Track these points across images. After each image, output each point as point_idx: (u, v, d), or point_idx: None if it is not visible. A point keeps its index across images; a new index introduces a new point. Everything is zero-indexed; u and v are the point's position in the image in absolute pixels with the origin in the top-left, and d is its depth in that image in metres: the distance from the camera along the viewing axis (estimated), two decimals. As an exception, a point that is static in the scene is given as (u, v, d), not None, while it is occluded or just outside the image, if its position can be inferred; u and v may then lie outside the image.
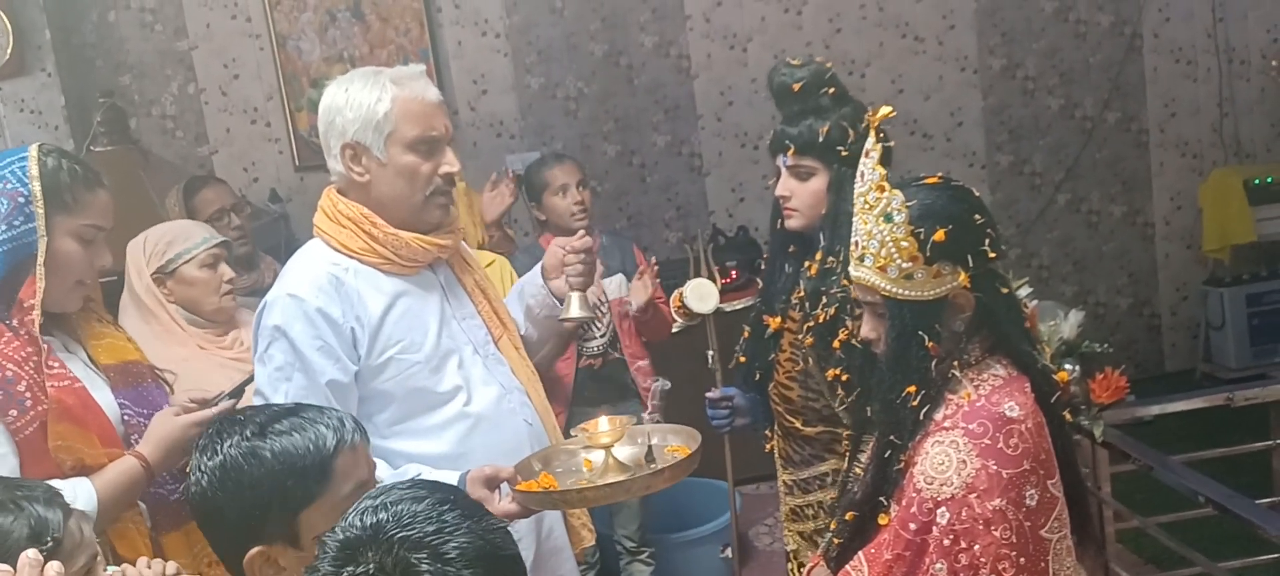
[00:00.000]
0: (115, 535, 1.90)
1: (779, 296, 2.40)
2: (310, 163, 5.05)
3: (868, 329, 1.79)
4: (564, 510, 2.30)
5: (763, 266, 2.51)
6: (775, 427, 2.46)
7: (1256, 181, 5.22)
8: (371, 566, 1.13)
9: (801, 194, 2.26)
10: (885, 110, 1.77)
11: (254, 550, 1.44)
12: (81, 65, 4.93)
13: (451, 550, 1.13)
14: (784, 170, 2.27)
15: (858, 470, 1.91)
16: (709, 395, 2.47)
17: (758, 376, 2.45)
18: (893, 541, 1.69)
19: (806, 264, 2.31)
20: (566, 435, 2.28)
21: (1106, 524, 3.09)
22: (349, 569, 1.14)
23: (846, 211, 2.15)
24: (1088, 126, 5.51)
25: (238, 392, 2.05)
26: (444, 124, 2.11)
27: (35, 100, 4.60)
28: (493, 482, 1.98)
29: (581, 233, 2.36)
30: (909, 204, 1.67)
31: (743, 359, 2.49)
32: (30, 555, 1.26)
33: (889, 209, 1.67)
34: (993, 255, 1.71)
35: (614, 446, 2.06)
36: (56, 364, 1.90)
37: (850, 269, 1.78)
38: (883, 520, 1.74)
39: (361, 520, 1.17)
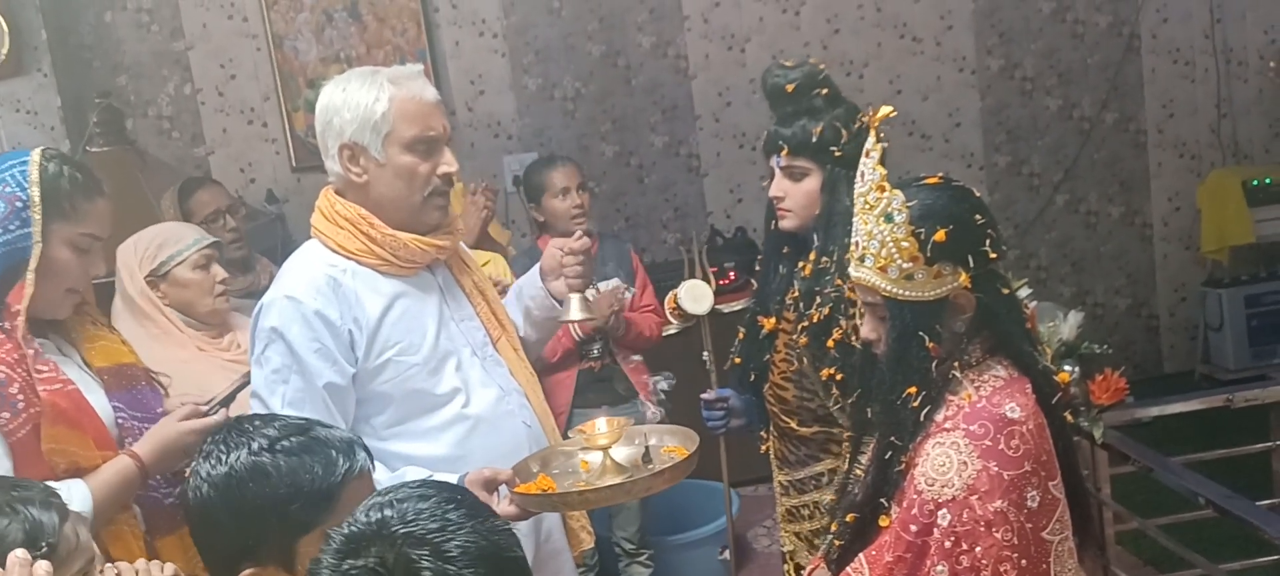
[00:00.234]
0: (109, 538, 1.89)
1: (774, 297, 2.40)
2: (307, 163, 5.04)
3: (868, 330, 1.79)
4: (563, 512, 2.29)
5: (757, 267, 2.51)
6: (770, 428, 2.46)
7: (1255, 182, 5.23)
8: (373, 560, 1.12)
9: (795, 194, 2.26)
10: (885, 110, 1.76)
11: (247, 571, 1.42)
12: (78, 65, 4.92)
13: (453, 548, 1.12)
14: (778, 171, 2.28)
15: (858, 472, 1.90)
16: (704, 396, 2.46)
17: (753, 377, 2.45)
18: (894, 543, 1.68)
19: (801, 264, 2.31)
20: (566, 438, 2.27)
21: (1106, 525, 3.09)
22: (350, 562, 1.13)
23: (840, 212, 2.16)
24: (1086, 127, 5.51)
25: (230, 398, 2.03)
26: (442, 124, 2.10)
27: (31, 101, 4.58)
28: (491, 485, 1.97)
29: (579, 233, 2.36)
30: (909, 204, 1.67)
31: (738, 360, 2.49)
32: (19, 554, 1.26)
33: (889, 209, 1.67)
34: (993, 255, 1.71)
35: (611, 448, 2.06)
36: (48, 366, 1.89)
37: (851, 269, 1.77)
38: (883, 522, 1.74)
39: (367, 515, 1.17)
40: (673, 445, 2.12)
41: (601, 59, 5.28)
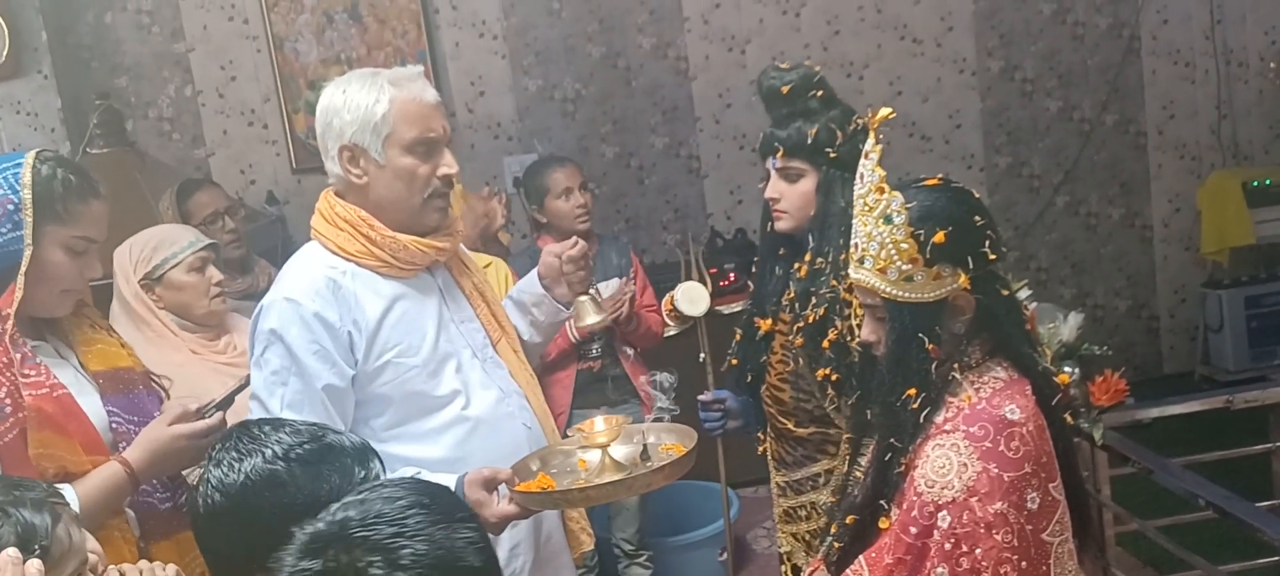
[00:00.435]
0: (101, 543, 1.88)
1: (770, 298, 2.41)
2: (308, 165, 5.04)
3: (868, 331, 1.79)
4: (563, 512, 2.30)
5: (753, 269, 2.51)
6: (768, 430, 2.46)
7: (1255, 183, 5.23)
8: (327, 563, 1.13)
9: (791, 196, 2.27)
10: (885, 112, 1.76)
11: None
12: (78, 67, 4.92)
13: (406, 556, 1.12)
14: (773, 172, 2.29)
15: (858, 473, 1.90)
16: (701, 398, 2.46)
17: (749, 379, 2.46)
18: (893, 545, 1.68)
19: (796, 266, 2.31)
20: (565, 438, 2.28)
21: (1106, 526, 3.09)
22: (306, 562, 1.13)
23: (835, 213, 2.17)
24: (1086, 129, 5.51)
25: (228, 401, 2.03)
26: (442, 125, 2.10)
27: (31, 102, 4.59)
28: (491, 484, 1.97)
29: (575, 239, 2.36)
30: (909, 206, 1.67)
31: (734, 361, 2.49)
32: (11, 553, 1.26)
33: (889, 211, 1.67)
34: (993, 257, 1.71)
35: (610, 446, 2.07)
36: (36, 371, 1.88)
37: (850, 271, 1.77)
38: (883, 524, 1.73)
39: (332, 514, 1.17)
40: (671, 443, 2.12)
41: (602, 60, 5.28)
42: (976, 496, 1.61)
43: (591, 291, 2.36)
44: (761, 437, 2.49)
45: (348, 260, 2.06)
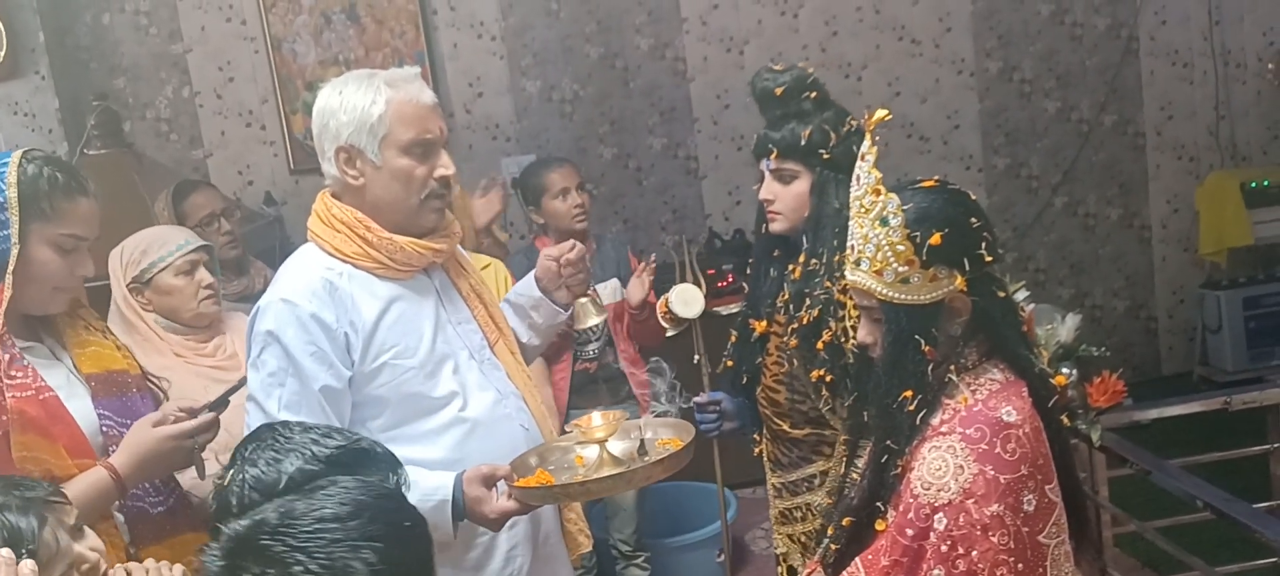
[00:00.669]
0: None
1: (764, 300, 2.41)
2: (305, 166, 5.04)
3: (864, 333, 1.79)
4: (561, 513, 2.30)
5: (748, 271, 2.51)
6: (763, 431, 2.46)
7: (1253, 184, 5.23)
8: (234, 561, 1.16)
9: (785, 197, 2.28)
10: (881, 114, 1.76)
11: None
12: (76, 68, 4.91)
13: (297, 570, 1.14)
14: (767, 174, 2.30)
15: (854, 475, 1.90)
16: (697, 399, 2.47)
17: (745, 380, 2.46)
18: (890, 547, 1.68)
19: (791, 267, 2.32)
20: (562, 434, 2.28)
21: (1104, 528, 3.09)
22: (210, 550, 1.18)
23: (828, 214, 2.18)
24: (1084, 129, 5.51)
25: (220, 404, 2.02)
26: (439, 126, 2.09)
27: (29, 103, 4.58)
28: (489, 481, 1.98)
29: (571, 242, 2.36)
30: (905, 207, 1.67)
31: (730, 363, 2.49)
32: (4, 554, 1.26)
33: (885, 212, 1.67)
34: (989, 259, 1.71)
35: (608, 440, 2.08)
36: (21, 373, 1.87)
37: (846, 273, 1.77)
38: (880, 526, 1.73)
39: (255, 514, 1.20)
40: (668, 437, 2.13)
41: (600, 61, 5.28)
42: (973, 498, 1.61)
43: (590, 292, 2.36)
44: (757, 439, 2.49)
45: (344, 261, 2.06)
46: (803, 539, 2.37)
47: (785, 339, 2.31)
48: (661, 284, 3.39)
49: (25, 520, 1.38)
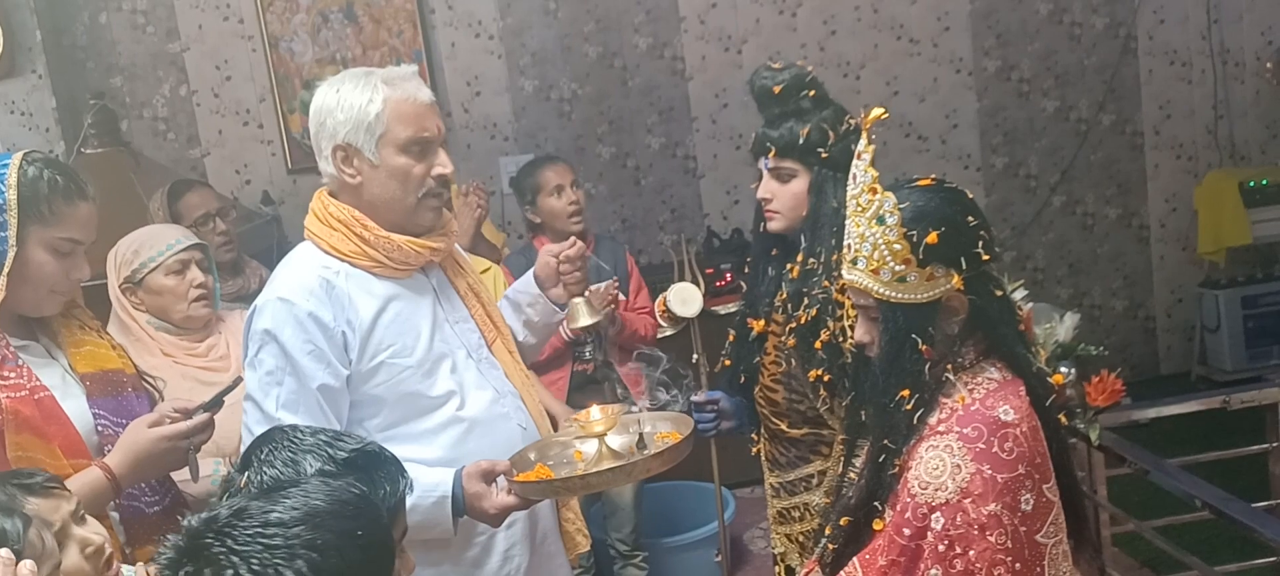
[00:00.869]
0: (79, 548, 1.87)
1: (763, 299, 2.41)
2: (303, 165, 5.04)
3: (861, 332, 1.78)
4: (559, 513, 2.29)
5: (746, 270, 2.51)
6: (761, 431, 2.46)
7: (1251, 183, 5.23)
8: (179, 556, 1.16)
9: (783, 196, 2.28)
10: (877, 112, 1.75)
11: None
12: (72, 67, 4.91)
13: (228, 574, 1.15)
14: (765, 173, 2.29)
15: (852, 475, 1.90)
16: (694, 398, 2.46)
17: (743, 379, 2.45)
18: (887, 547, 1.67)
19: (789, 266, 2.31)
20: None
21: (1102, 527, 3.09)
22: (165, 551, 1.19)
23: (826, 213, 2.17)
24: (1082, 129, 5.51)
25: (215, 404, 2.01)
26: (436, 125, 2.09)
27: (26, 102, 4.58)
28: (489, 476, 1.99)
29: (572, 239, 2.36)
30: (902, 206, 1.66)
31: (728, 362, 2.49)
32: (4, 555, 1.26)
33: (881, 211, 1.66)
34: (986, 257, 1.70)
35: (606, 435, 2.08)
36: (15, 372, 1.87)
37: (843, 272, 1.77)
38: (877, 525, 1.73)
39: (208, 514, 1.20)
40: (667, 431, 2.13)
41: (598, 60, 5.27)
42: (970, 498, 1.61)
43: (587, 293, 2.36)
44: (755, 438, 2.49)
45: (341, 260, 2.06)
46: (800, 538, 2.36)
47: (783, 338, 2.31)
48: (663, 283, 3.39)
49: (10, 522, 1.38)
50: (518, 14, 5.20)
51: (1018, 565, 1.62)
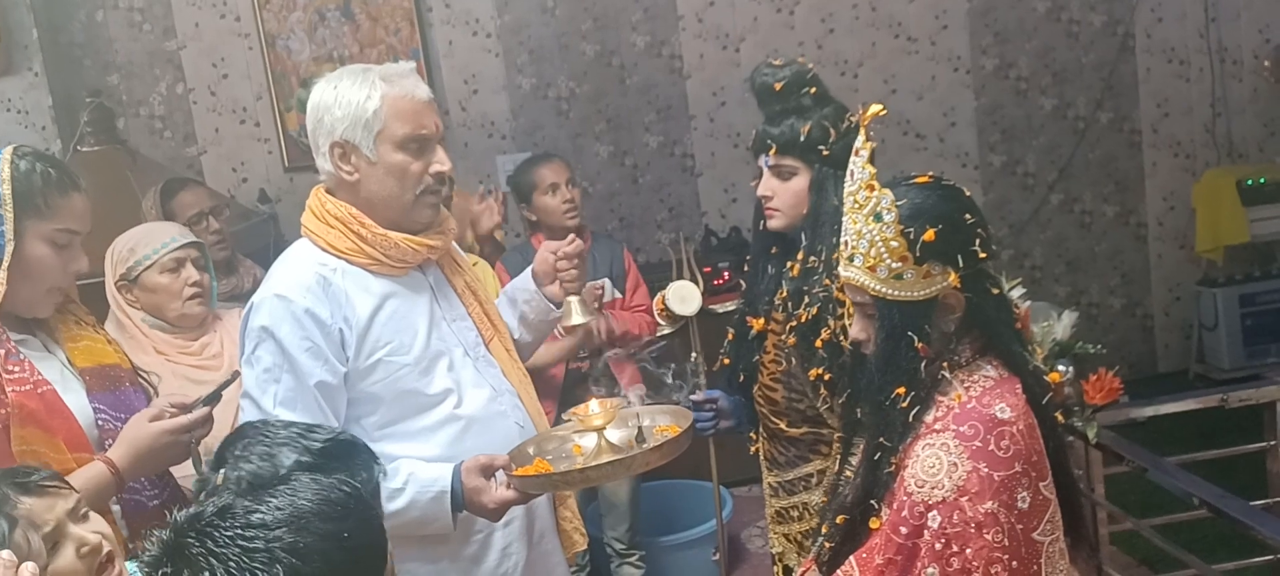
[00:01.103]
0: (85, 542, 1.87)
1: (762, 297, 2.40)
2: (300, 163, 5.03)
3: (857, 330, 1.78)
4: (557, 511, 2.29)
5: (746, 268, 2.50)
6: (760, 430, 2.45)
7: (1249, 182, 5.23)
8: (165, 552, 1.17)
9: (783, 194, 2.27)
10: (875, 108, 1.75)
11: None
12: (69, 65, 4.90)
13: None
14: (766, 170, 2.28)
15: (848, 473, 1.89)
16: (693, 398, 2.46)
17: (742, 378, 2.45)
18: (884, 545, 1.67)
19: (789, 264, 2.31)
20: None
21: (1100, 525, 3.09)
22: (145, 553, 1.18)
23: (827, 211, 2.16)
24: (1080, 127, 5.51)
25: (214, 398, 2.01)
26: (434, 122, 2.08)
27: (22, 100, 4.57)
28: (488, 471, 1.99)
29: (571, 237, 2.36)
30: (899, 203, 1.66)
31: (726, 361, 2.48)
32: (4, 556, 1.26)
33: (878, 208, 1.66)
34: (983, 255, 1.70)
35: (605, 428, 2.08)
36: (19, 366, 1.87)
37: (839, 269, 1.76)
38: (874, 524, 1.73)
39: (193, 511, 1.20)
40: (665, 425, 2.13)
41: (596, 59, 5.27)
42: (967, 496, 1.61)
43: (583, 292, 2.35)
44: (754, 437, 2.48)
45: (338, 257, 2.05)
46: (799, 538, 2.36)
47: (783, 337, 2.30)
48: (658, 281, 3.39)
49: None
50: (515, 12, 5.19)
51: (1014, 563, 1.61)
